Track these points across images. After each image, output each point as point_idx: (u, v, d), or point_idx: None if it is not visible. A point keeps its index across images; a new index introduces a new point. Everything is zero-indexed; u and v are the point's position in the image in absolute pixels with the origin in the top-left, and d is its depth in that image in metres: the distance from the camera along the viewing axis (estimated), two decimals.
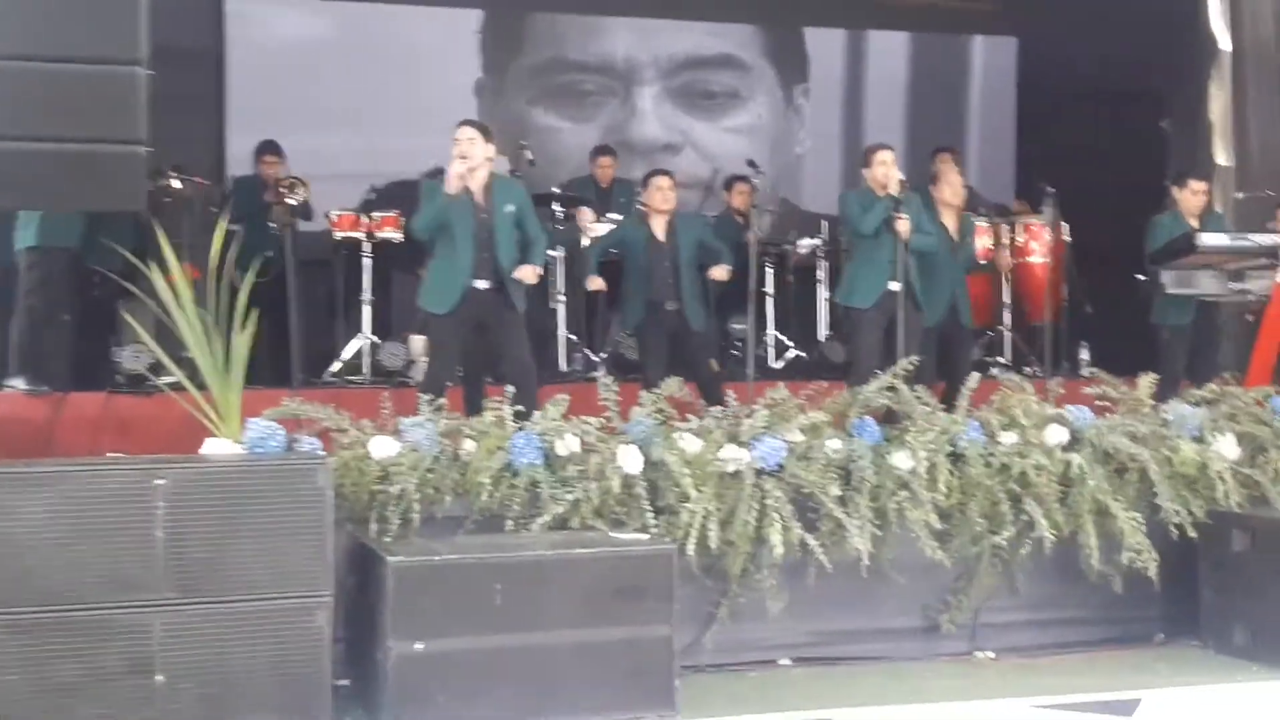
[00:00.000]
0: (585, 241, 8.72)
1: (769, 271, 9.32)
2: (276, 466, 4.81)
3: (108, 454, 6.00)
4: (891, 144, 7.72)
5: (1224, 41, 10.95)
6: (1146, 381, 6.35)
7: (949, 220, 7.90)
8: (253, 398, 5.49)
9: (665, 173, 8.08)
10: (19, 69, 4.55)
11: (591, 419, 5.59)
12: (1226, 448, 6.16)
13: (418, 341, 7.96)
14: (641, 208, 8.08)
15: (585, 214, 8.90)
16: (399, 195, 9.17)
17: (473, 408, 6.34)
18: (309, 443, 5.27)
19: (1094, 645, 6.03)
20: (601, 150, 10.03)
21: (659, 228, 7.80)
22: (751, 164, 8.04)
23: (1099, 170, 10.57)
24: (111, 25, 4.60)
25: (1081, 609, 6.06)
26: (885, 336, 7.26)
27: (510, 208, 6.79)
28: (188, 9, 9.84)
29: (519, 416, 5.59)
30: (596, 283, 7.97)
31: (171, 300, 5.02)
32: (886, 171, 7.37)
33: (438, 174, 7.11)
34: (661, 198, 7.83)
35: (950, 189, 7.94)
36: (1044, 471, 5.88)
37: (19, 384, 7.27)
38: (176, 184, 8.24)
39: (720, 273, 7.82)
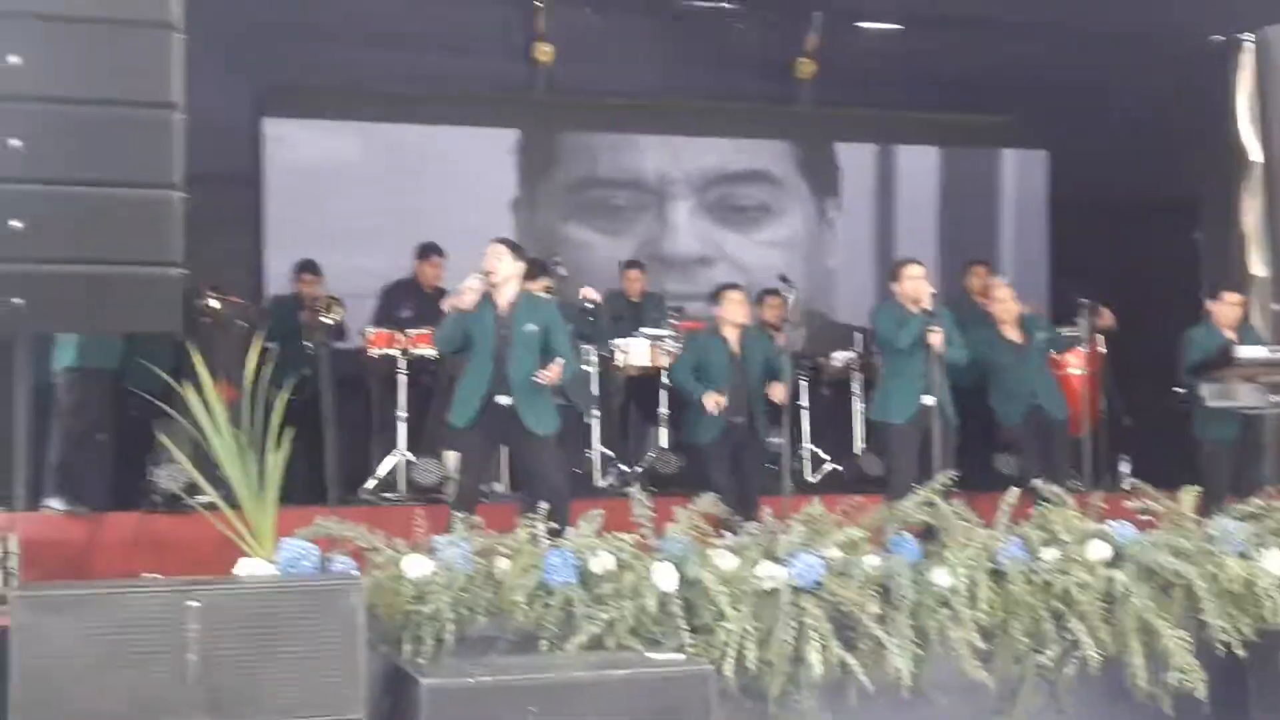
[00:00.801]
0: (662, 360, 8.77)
1: (804, 385, 9.30)
2: (309, 587, 4.79)
3: (142, 574, 5.98)
4: (921, 258, 7.78)
5: (1254, 153, 10.99)
6: (1189, 495, 6.26)
7: (1011, 332, 8.21)
8: (288, 516, 5.49)
9: (738, 286, 8.16)
10: (58, 193, 4.61)
11: (626, 535, 5.54)
12: (1273, 563, 6.05)
13: (452, 457, 7.94)
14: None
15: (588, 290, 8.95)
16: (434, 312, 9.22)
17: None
18: (343, 562, 5.24)
19: None
20: (630, 264, 10.09)
21: (734, 342, 7.84)
22: (783, 278, 8.09)
23: (1134, 282, 10.56)
24: (148, 150, 4.67)
25: None
26: (921, 451, 7.22)
27: (532, 327, 6.79)
28: (226, 132, 10.01)
29: (553, 534, 5.54)
30: (718, 399, 7.80)
31: (206, 420, 5.03)
32: (918, 286, 7.42)
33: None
34: (736, 311, 7.88)
35: (1001, 307, 8.10)
36: (1087, 589, 5.78)
37: (56, 504, 7.28)
38: (214, 304, 8.29)
39: (779, 392, 7.85)
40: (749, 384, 7.83)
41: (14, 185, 4.57)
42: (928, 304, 7.37)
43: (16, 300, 4.59)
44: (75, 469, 7.36)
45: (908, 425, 7.43)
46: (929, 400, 7.30)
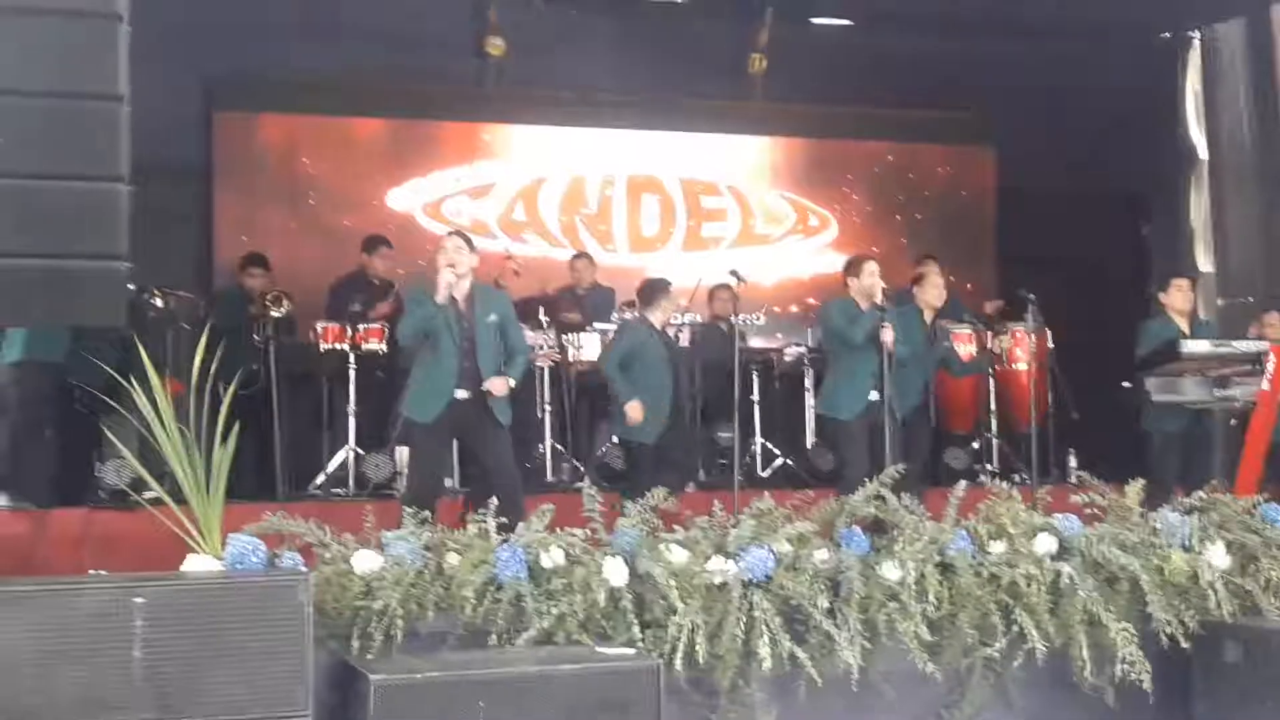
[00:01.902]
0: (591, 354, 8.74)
1: (755, 379, 9.32)
2: (256, 584, 4.75)
3: (89, 571, 5.93)
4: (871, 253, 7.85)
5: (1202, 149, 11.12)
6: (1135, 489, 6.30)
7: (926, 321, 8.12)
8: (238, 511, 5.46)
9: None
10: (1, 186, 4.54)
11: (577, 530, 5.53)
12: (1217, 557, 6.09)
13: (404, 453, 7.92)
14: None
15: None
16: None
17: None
18: (290, 558, 5.20)
19: None
20: (577, 256, 10.11)
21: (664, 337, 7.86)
22: (734, 273, 8.10)
23: (1083, 275, 10.66)
24: (94, 143, 4.61)
25: None
26: (870, 445, 7.27)
27: (493, 318, 6.85)
28: (176, 125, 9.94)
29: (503, 529, 5.53)
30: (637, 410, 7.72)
31: (152, 415, 4.98)
32: (874, 283, 7.46)
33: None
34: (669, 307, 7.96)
35: (935, 290, 8.09)
36: (1034, 581, 5.81)
37: (1, 500, 7.21)
38: (159, 300, 8.22)
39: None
40: (681, 380, 7.82)
41: None
42: (879, 299, 7.44)
43: None
44: (21, 464, 7.30)
45: (856, 421, 7.49)
46: (876, 396, 7.35)
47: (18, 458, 7.31)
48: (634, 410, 7.64)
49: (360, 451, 8.41)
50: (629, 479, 7.73)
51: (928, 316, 8.21)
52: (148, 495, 5.67)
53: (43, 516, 7.16)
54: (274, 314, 8.62)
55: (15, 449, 7.32)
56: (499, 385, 6.82)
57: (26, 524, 7.08)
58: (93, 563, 6.40)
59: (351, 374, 8.58)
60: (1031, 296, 8.27)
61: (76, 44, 4.66)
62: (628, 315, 8.79)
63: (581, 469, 8.70)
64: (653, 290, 8.07)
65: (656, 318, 7.95)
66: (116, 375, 5.41)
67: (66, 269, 4.66)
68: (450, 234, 6.99)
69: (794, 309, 11.62)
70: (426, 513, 5.64)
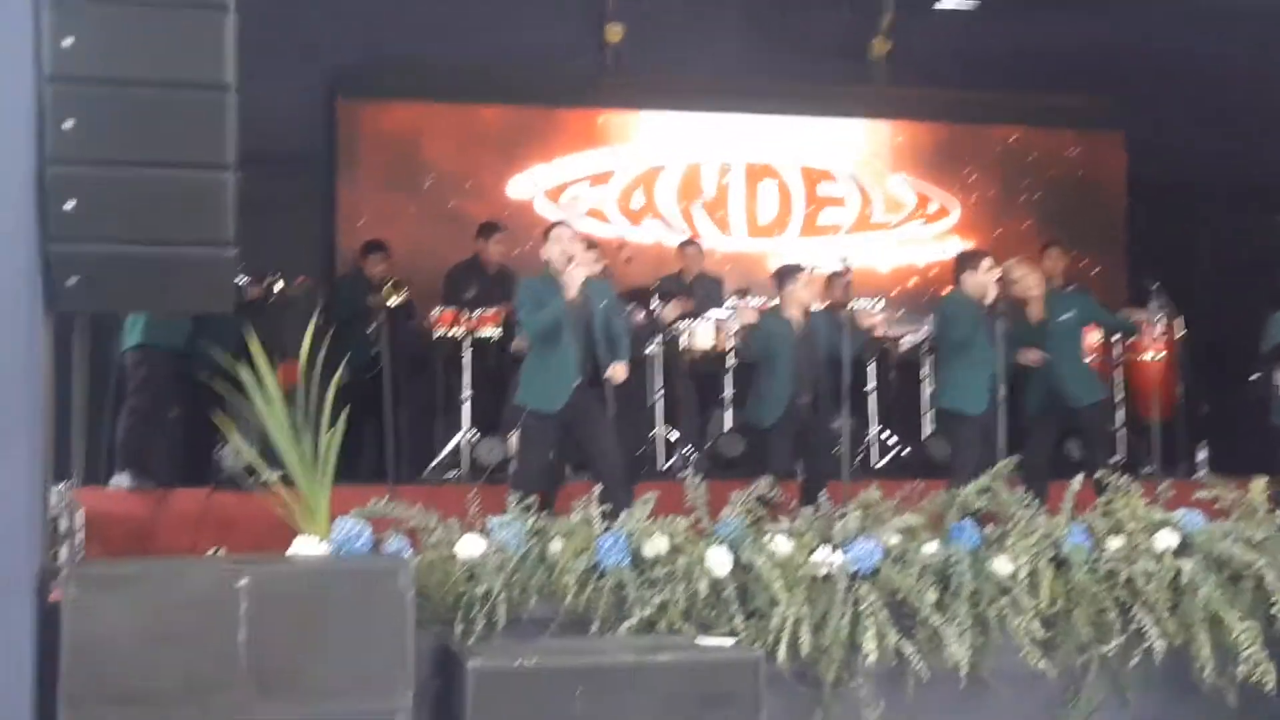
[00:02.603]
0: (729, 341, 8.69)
1: (871, 368, 9.19)
2: (358, 568, 4.78)
3: (208, 551, 6.04)
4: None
5: None
6: (1259, 485, 6.09)
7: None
8: (351, 494, 5.51)
9: (802, 268, 8.03)
10: (111, 175, 4.61)
11: (681, 519, 5.50)
12: None
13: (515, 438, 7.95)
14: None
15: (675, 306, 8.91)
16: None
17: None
18: (397, 542, 5.24)
19: None
20: (685, 243, 10.06)
21: (799, 324, 7.77)
22: (843, 260, 7.98)
23: (1214, 266, 10.36)
24: (201, 131, 4.66)
25: None
26: (986, 438, 7.15)
27: (604, 303, 6.85)
28: (300, 113, 10.10)
29: (607, 516, 5.51)
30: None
31: (260, 400, 5.04)
32: (988, 280, 7.38)
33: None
34: (803, 293, 7.83)
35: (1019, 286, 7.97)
36: (1153, 578, 5.65)
37: (123, 481, 7.39)
38: (280, 284, 8.34)
39: None
40: (815, 366, 7.73)
41: (68, 167, 4.58)
42: (989, 299, 7.37)
43: (71, 281, 4.61)
44: (142, 446, 7.46)
45: (980, 416, 7.39)
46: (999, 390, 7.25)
47: (139, 440, 7.47)
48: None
49: (474, 436, 8.45)
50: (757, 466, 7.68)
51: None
52: (266, 477, 5.75)
53: (164, 497, 7.32)
54: (391, 300, 8.69)
55: (136, 431, 7.48)
56: (621, 371, 6.89)
57: (148, 505, 7.24)
58: (211, 543, 6.55)
59: (466, 360, 8.62)
60: (1156, 285, 8.04)
61: (184, 34, 4.69)
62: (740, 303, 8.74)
63: (691, 457, 8.66)
64: (779, 277, 8.03)
65: (790, 304, 7.86)
66: (230, 360, 5.45)
67: (175, 256, 4.71)
68: (559, 225, 6.97)
69: (914, 298, 11.43)
70: (533, 499, 5.64)
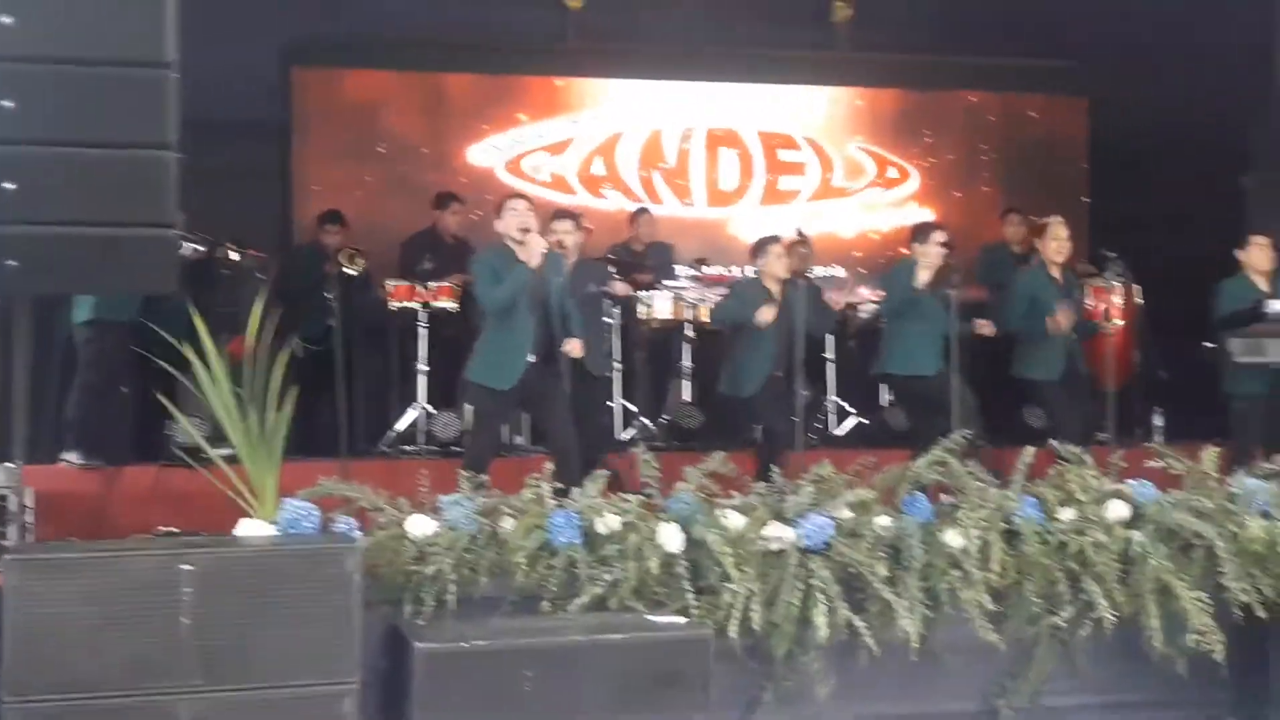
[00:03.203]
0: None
1: (829, 338, 9.18)
2: (305, 550, 4.74)
3: (158, 528, 6.00)
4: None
5: None
6: (1210, 454, 6.11)
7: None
8: (304, 469, 5.48)
9: (778, 239, 7.96)
10: (52, 155, 4.58)
11: (632, 496, 5.49)
12: None
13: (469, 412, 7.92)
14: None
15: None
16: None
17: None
18: (345, 523, 5.22)
19: None
20: (638, 212, 10.01)
21: (776, 295, 7.74)
22: (799, 232, 7.96)
23: (1178, 230, 10.35)
24: (141, 109, 4.61)
25: (1145, 692, 5.80)
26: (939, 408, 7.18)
27: (560, 279, 6.80)
28: (254, 83, 9.99)
29: (558, 494, 5.50)
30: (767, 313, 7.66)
31: (205, 377, 5.00)
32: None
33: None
34: (778, 264, 7.79)
35: (1055, 244, 8.03)
36: (1103, 550, 5.67)
37: (73, 458, 7.32)
38: (234, 255, 8.27)
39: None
40: (790, 336, 7.71)
41: (7, 146, 4.54)
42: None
43: (10, 262, 4.56)
44: (93, 422, 7.39)
45: (936, 377, 7.42)
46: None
47: (89, 416, 7.40)
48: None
49: (430, 410, 8.41)
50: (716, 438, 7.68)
51: (1055, 272, 8.05)
52: (217, 453, 5.70)
53: (114, 474, 7.25)
54: (348, 271, 8.63)
55: (86, 408, 7.41)
56: (578, 347, 6.84)
57: (98, 482, 7.18)
58: (162, 520, 6.52)
59: (422, 332, 8.58)
60: (1113, 254, 8.05)
61: (124, 12, 4.65)
62: (696, 273, 8.72)
63: (652, 427, 8.65)
64: (757, 248, 7.99)
65: (765, 275, 7.83)
66: (174, 339, 5.41)
67: (115, 236, 4.67)
68: (514, 196, 6.91)
69: (875, 264, 11.41)
70: (484, 477, 5.61)
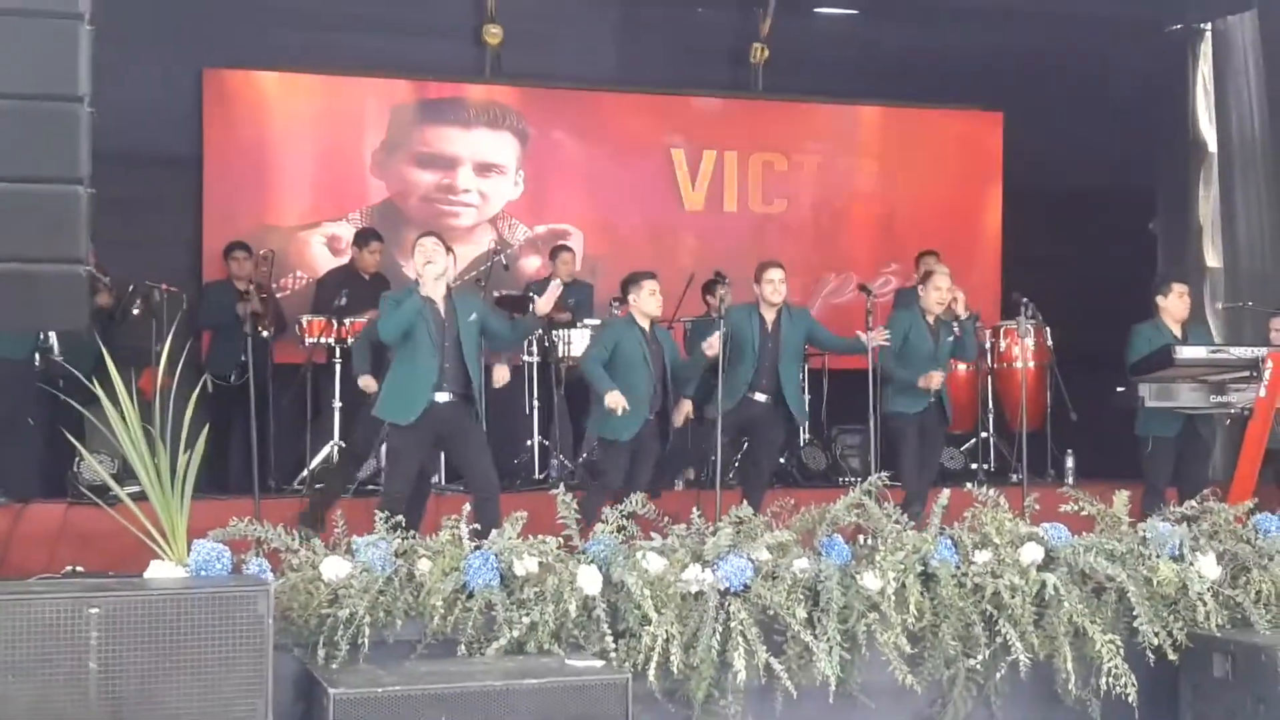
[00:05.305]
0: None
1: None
2: (215, 594, 4.64)
3: (66, 568, 5.87)
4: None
5: (1211, 143, 10.94)
6: (1122, 498, 6.19)
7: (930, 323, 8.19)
8: (220, 507, 5.37)
9: (652, 275, 7.77)
10: None
11: (550, 538, 5.45)
12: (1207, 567, 5.96)
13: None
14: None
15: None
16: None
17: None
18: (257, 564, 5.13)
19: None
20: (560, 248, 9.92)
21: (648, 333, 7.67)
22: (718, 273, 7.93)
23: (1088, 273, 10.52)
24: (53, 144, 4.51)
25: None
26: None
27: (473, 317, 6.78)
28: (167, 115, 9.85)
29: (476, 535, 5.44)
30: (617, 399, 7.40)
31: (114, 416, 4.90)
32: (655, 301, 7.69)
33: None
34: (650, 301, 7.69)
35: (936, 295, 8.04)
36: (1018, 592, 5.71)
37: None
38: (136, 305, 8.14)
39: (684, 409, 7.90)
40: (662, 377, 7.63)
41: None
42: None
43: None
44: None
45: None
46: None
47: None
48: (613, 399, 7.36)
49: (344, 446, 8.32)
50: (601, 476, 7.59)
51: (931, 319, 8.09)
52: (127, 490, 5.59)
53: (19, 511, 7.08)
54: (256, 308, 8.52)
55: None
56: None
57: (3, 519, 7.01)
58: (70, 559, 6.38)
59: (337, 368, 8.49)
60: (1025, 300, 8.15)
61: (37, 44, 4.55)
62: (616, 310, 8.68)
63: (570, 465, 8.60)
64: (628, 284, 7.82)
65: (639, 312, 7.70)
66: (83, 377, 5.31)
67: (27, 272, 4.56)
68: (425, 235, 6.93)
69: None
70: (399, 517, 5.54)
